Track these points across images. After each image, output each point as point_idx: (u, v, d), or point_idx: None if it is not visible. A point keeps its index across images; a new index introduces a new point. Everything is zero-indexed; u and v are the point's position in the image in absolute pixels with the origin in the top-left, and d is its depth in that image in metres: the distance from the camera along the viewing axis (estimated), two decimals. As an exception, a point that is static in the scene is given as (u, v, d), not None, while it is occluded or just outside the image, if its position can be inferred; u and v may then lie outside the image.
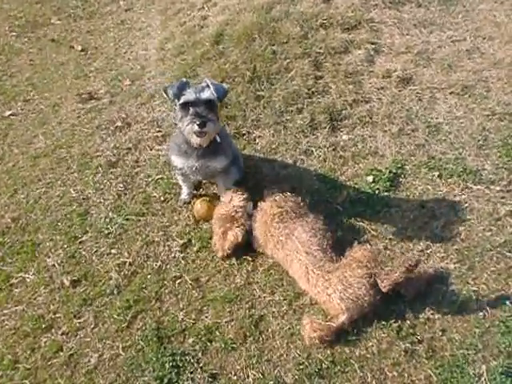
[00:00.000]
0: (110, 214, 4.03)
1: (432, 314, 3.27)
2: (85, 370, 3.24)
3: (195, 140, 3.42)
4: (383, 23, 5.00)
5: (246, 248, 3.66)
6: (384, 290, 3.12)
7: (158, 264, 3.69)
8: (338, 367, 3.09)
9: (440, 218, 3.73)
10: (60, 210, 4.12)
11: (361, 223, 3.75)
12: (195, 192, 4.04)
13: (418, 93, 4.46)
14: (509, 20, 4.90)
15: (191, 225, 3.87)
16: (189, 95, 3.33)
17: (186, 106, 3.35)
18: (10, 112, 5.17)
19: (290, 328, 3.28)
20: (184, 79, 3.46)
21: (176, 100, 3.38)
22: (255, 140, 4.33)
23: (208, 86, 3.38)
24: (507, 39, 4.73)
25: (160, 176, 4.22)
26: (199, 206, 3.84)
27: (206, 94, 3.35)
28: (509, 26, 4.86)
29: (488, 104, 4.31)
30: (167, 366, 3.17)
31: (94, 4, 6.60)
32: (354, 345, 3.18)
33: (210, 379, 3.12)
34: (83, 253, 3.82)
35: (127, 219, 3.97)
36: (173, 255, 3.73)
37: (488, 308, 3.27)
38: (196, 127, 3.31)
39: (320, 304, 3.30)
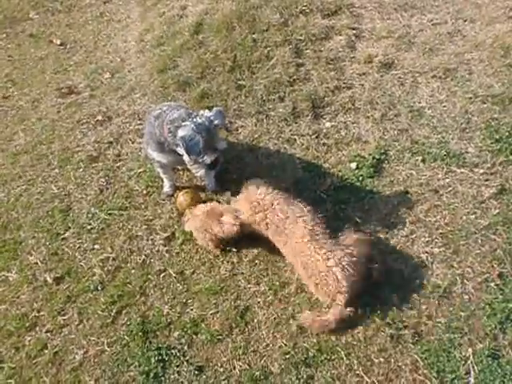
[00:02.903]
0: (93, 209, 3.99)
1: (417, 298, 3.27)
2: (70, 367, 3.23)
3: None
4: (364, 8, 4.96)
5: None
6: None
7: (142, 258, 3.67)
8: (325, 355, 3.10)
9: (424, 202, 3.71)
10: (42, 207, 4.09)
11: (345, 210, 3.73)
12: (178, 184, 3.99)
13: (399, 77, 4.42)
14: (489, 1, 4.85)
15: (175, 218, 3.83)
16: (209, 157, 3.37)
17: None
18: (-12, 109, 5.10)
19: (275, 318, 3.28)
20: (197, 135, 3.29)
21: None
22: (237, 130, 4.28)
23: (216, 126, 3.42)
24: (488, 21, 4.69)
25: (142, 169, 4.17)
26: (182, 198, 3.79)
27: (221, 147, 3.47)
28: (490, 8, 4.82)
29: (470, 87, 4.29)
30: (153, 360, 3.17)
31: (72, -3, 6.49)
32: (340, 332, 3.18)
33: (196, 372, 3.12)
34: (66, 249, 3.79)
35: (110, 214, 3.94)
36: (156, 249, 3.70)
37: (473, 291, 3.28)
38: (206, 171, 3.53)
39: (311, 285, 3.24)
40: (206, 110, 3.44)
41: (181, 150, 3.35)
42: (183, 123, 3.32)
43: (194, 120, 3.32)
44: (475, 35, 4.63)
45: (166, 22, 5.30)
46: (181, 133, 3.27)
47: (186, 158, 3.37)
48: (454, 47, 4.56)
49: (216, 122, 3.38)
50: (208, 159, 3.35)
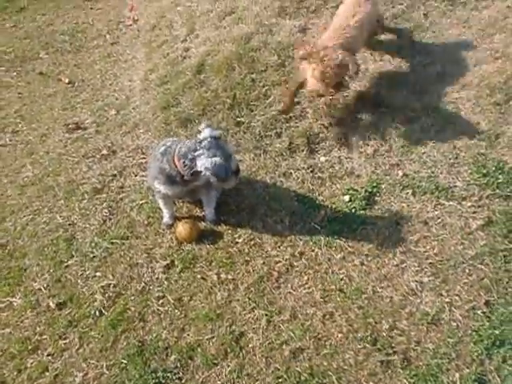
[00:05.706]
0: (96, 238, 4.13)
1: (407, 325, 3.38)
2: (70, 389, 3.31)
3: None
4: (356, 50, 5.19)
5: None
6: None
7: (142, 285, 3.79)
8: (316, 379, 3.19)
9: (414, 233, 3.85)
10: (47, 236, 4.23)
11: (338, 241, 3.87)
12: (177, 215, 4.15)
13: (391, 115, 4.61)
14: (477, 43, 5.08)
15: (174, 247, 3.98)
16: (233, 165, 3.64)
17: None
18: (-2, 143, 5.31)
19: (269, 343, 3.38)
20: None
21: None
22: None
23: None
24: (475, 62, 4.90)
25: (144, 201, 4.33)
26: (181, 227, 3.95)
27: (231, 149, 3.85)
28: (477, 50, 5.04)
29: (458, 124, 4.47)
30: (150, 382, 3.26)
31: (81, 38, 6.78)
32: (332, 357, 3.28)
33: (191, 395, 3.19)
34: (69, 276, 3.92)
35: (112, 243, 4.08)
36: (156, 276, 3.83)
37: (461, 318, 3.39)
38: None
39: None
40: (201, 131, 3.64)
41: (208, 176, 3.55)
42: (196, 154, 3.50)
43: (203, 147, 3.50)
44: (463, 75, 4.84)
45: (169, 62, 5.56)
46: (203, 165, 3.46)
47: (214, 181, 3.59)
48: (443, 87, 4.77)
49: (215, 134, 3.56)
50: (233, 167, 3.61)
